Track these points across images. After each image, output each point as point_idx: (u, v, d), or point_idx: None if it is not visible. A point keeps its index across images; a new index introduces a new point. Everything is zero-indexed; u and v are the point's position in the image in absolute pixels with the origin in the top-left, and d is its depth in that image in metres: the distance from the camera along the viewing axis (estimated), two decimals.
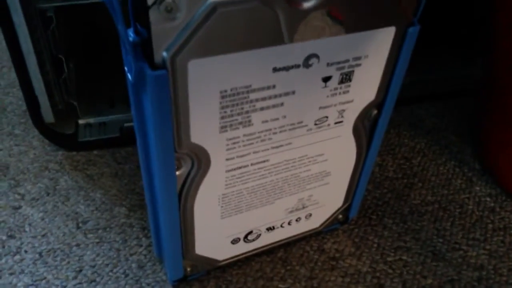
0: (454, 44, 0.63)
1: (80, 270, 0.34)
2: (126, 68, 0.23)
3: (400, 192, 0.43)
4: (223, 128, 0.25)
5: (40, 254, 0.35)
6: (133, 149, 0.45)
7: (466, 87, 0.56)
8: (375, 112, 0.30)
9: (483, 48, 0.44)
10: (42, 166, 0.43)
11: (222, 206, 0.29)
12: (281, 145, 0.28)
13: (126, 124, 0.45)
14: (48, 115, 0.43)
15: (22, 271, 0.34)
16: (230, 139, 0.26)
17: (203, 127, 0.24)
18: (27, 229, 0.37)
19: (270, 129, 0.27)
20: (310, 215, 0.35)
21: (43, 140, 0.45)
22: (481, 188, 0.44)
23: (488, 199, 0.43)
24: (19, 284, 0.33)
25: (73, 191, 0.41)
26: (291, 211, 0.34)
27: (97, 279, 0.33)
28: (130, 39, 0.21)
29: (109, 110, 0.47)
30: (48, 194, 0.40)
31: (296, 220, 0.35)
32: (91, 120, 0.46)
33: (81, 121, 0.46)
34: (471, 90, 0.55)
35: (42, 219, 0.38)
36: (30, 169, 0.43)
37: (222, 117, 0.24)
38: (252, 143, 0.27)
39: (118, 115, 0.47)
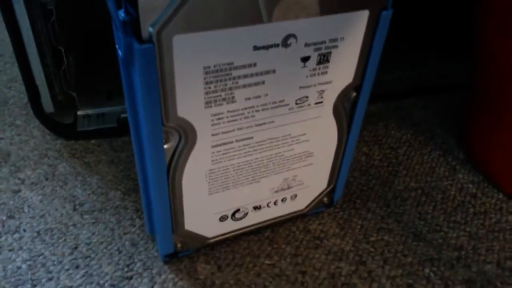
0: (442, 42, 0.65)
1: (76, 247, 0.36)
2: (116, 46, 0.25)
3: (385, 179, 0.44)
4: (207, 104, 0.27)
5: (38, 232, 0.37)
6: (130, 138, 0.47)
7: (453, 82, 0.58)
8: (354, 94, 0.32)
9: (469, 47, 0.46)
10: (42, 153, 0.45)
11: (209, 182, 0.31)
12: (264, 123, 0.30)
13: (123, 115, 0.47)
14: (48, 106, 0.45)
15: (21, 248, 0.35)
16: (215, 114, 0.27)
17: (189, 102, 0.26)
18: (26, 210, 0.39)
19: (253, 107, 0.28)
20: (296, 196, 0.37)
21: (43, 130, 0.47)
22: (464, 176, 0.45)
23: (470, 185, 0.44)
24: (17, 259, 0.35)
25: (71, 176, 0.42)
26: (277, 191, 0.35)
27: (92, 255, 0.35)
28: (120, 18, 0.23)
29: (107, 102, 0.49)
30: (47, 179, 0.42)
31: (282, 201, 0.36)
32: (90, 111, 0.48)
33: (80, 112, 0.48)
34: (457, 85, 0.57)
35: (41, 201, 0.40)
36: (30, 156, 0.45)
37: (207, 93, 0.26)
38: (236, 120, 0.28)
39: (116, 107, 0.49)
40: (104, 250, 0.36)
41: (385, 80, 0.57)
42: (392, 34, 0.66)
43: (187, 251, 0.35)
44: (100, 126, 0.47)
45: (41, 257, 0.35)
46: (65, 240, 0.36)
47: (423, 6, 0.68)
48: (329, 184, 0.38)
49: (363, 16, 0.27)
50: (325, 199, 0.39)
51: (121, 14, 0.23)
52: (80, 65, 0.49)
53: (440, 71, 0.60)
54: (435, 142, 0.50)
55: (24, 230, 0.37)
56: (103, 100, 0.49)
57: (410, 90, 0.57)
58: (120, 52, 0.24)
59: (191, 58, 0.24)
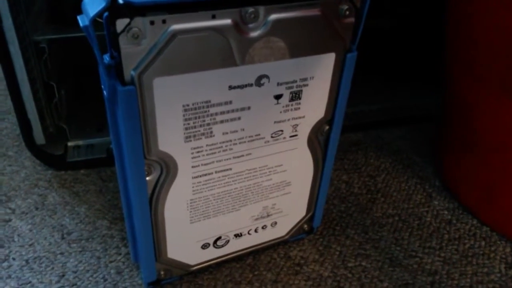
0: (419, 75, 0.69)
1: (63, 275, 0.37)
2: (102, 86, 0.27)
3: (364, 206, 0.46)
4: (187, 138, 0.29)
5: (26, 261, 0.38)
6: None
7: (430, 113, 0.60)
8: (326, 127, 0.34)
9: (441, 81, 0.49)
10: (32, 183, 0.46)
11: (190, 211, 0.33)
12: (242, 155, 0.32)
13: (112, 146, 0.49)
14: (39, 138, 0.47)
15: (9, 276, 0.37)
16: (195, 148, 0.29)
17: (170, 137, 0.28)
18: (15, 239, 0.40)
19: (230, 140, 0.30)
20: (276, 223, 0.38)
21: (34, 161, 0.49)
22: (439, 203, 0.47)
23: (445, 212, 0.46)
24: None
25: (60, 206, 0.44)
26: (257, 219, 0.37)
27: (78, 283, 0.36)
28: (105, 61, 0.25)
29: (97, 133, 0.51)
30: (36, 209, 0.43)
31: (263, 228, 0.38)
32: (80, 142, 0.50)
33: (70, 143, 0.50)
34: (434, 115, 0.59)
35: (30, 230, 0.41)
36: (21, 186, 0.46)
37: (186, 128, 0.28)
38: (215, 153, 0.30)
39: (105, 138, 0.51)
40: (90, 278, 0.37)
41: (365, 111, 0.60)
42: (373, 69, 0.69)
43: (170, 279, 0.36)
44: (89, 156, 0.49)
45: (28, 285, 0.36)
46: (52, 268, 0.38)
47: (403, 44, 0.72)
48: (308, 211, 0.39)
49: (330, 58, 0.30)
50: (305, 226, 0.41)
51: (106, 58, 0.25)
52: (71, 98, 0.51)
53: (418, 103, 0.62)
54: (413, 170, 0.52)
55: (13, 259, 0.38)
56: (93, 132, 0.51)
57: (389, 120, 0.59)
58: (105, 92, 0.26)
59: (171, 97, 0.26)
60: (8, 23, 0.40)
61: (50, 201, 0.44)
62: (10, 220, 0.42)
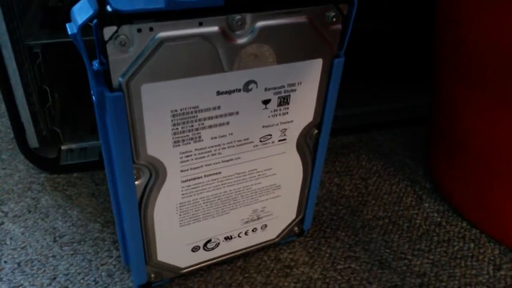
0: (411, 77, 0.69)
1: (55, 278, 0.37)
2: (91, 92, 0.27)
3: (355, 209, 0.47)
4: (176, 143, 0.29)
5: (18, 264, 0.38)
6: None
7: (422, 115, 0.61)
8: (315, 131, 0.35)
9: (431, 84, 0.49)
10: (26, 187, 0.47)
11: (180, 215, 0.33)
12: (231, 159, 0.32)
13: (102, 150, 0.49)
14: (33, 141, 0.47)
15: (1, 279, 0.37)
16: (183, 152, 0.30)
17: (158, 141, 0.28)
18: (8, 242, 0.40)
19: (219, 145, 0.31)
20: (266, 226, 0.39)
21: (28, 164, 0.49)
22: (429, 205, 0.48)
23: (435, 214, 0.47)
24: None
25: (52, 209, 0.44)
26: (247, 222, 0.37)
27: (70, 286, 0.37)
28: (95, 68, 0.25)
29: (90, 137, 0.52)
30: (29, 212, 0.44)
31: (253, 231, 0.38)
32: (73, 146, 0.51)
33: (63, 147, 0.50)
34: (426, 118, 0.60)
35: (23, 233, 0.41)
36: (14, 189, 0.46)
37: (175, 133, 0.28)
38: (204, 157, 0.31)
39: (98, 141, 0.51)
40: (82, 281, 0.37)
41: (358, 113, 0.61)
42: (364, 72, 0.70)
43: (160, 281, 0.37)
44: (82, 160, 0.49)
45: (20, 287, 0.37)
46: (44, 271, 0.38)
47: (395, 47, 0.72)
48: (298, 214, 0.40)
49: (318, 63, 0.30)
50: (296, 228, 0.41)
51: (95, 64, 0.26)
52: (65, 102, 0.51)
53: (410, 105, 0.63)
54: (404, 173, 0.52)
55: (5, 262, 0.39)
56: (86, 135, 0.52)
57: (381, 123, 0.60)
58: (94, 98, 0.27)
59: (159, 103, 0.27)
60: (1, 28, 0.40)
61: (43, 204, 0.45)
62: (3, 223, 0.42)
